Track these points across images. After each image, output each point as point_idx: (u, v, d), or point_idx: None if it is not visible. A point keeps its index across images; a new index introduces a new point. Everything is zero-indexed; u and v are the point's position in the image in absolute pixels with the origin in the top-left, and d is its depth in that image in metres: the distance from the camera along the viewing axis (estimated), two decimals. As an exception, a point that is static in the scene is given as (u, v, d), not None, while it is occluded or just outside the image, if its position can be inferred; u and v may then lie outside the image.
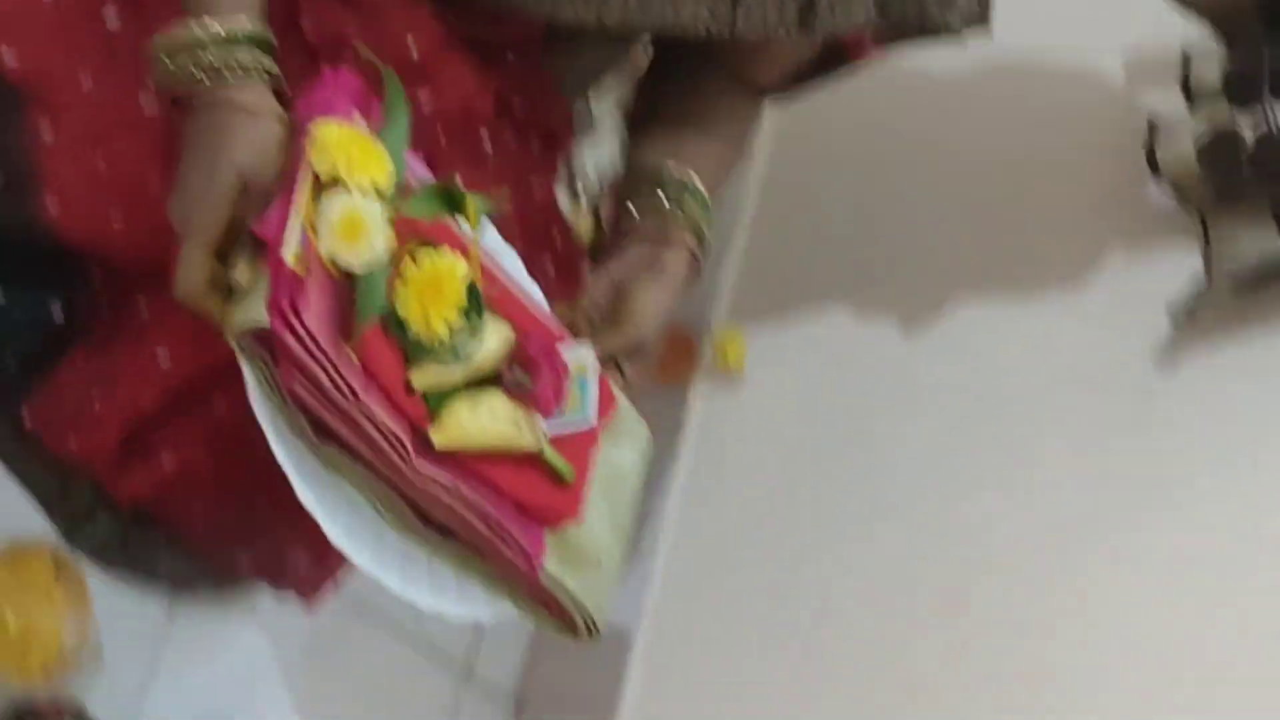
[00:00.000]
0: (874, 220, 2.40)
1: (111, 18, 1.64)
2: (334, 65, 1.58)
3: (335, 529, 1.48)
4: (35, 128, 1.63)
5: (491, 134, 1.80)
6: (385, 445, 1.47)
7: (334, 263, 1.45)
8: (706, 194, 1.82)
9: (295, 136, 1.51)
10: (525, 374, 1.52)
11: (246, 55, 1.53)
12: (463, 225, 1.54)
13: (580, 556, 1.57)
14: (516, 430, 1.52)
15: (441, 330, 1.47)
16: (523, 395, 1.52)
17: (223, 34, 1.53)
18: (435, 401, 1.49)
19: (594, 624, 1.58)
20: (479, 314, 1.50)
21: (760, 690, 2.24)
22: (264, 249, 1.45)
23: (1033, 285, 2.28)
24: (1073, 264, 2.24)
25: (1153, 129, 2.12)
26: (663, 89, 1.92)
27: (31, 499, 1.84)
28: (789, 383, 2.40)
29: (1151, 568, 2.08)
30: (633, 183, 1.84)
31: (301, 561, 1.88)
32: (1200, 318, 2.09)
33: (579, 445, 1.58)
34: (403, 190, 1.51)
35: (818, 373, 2.39)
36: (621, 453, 1.65)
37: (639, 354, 1.72)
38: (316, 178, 1.46)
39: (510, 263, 1.65)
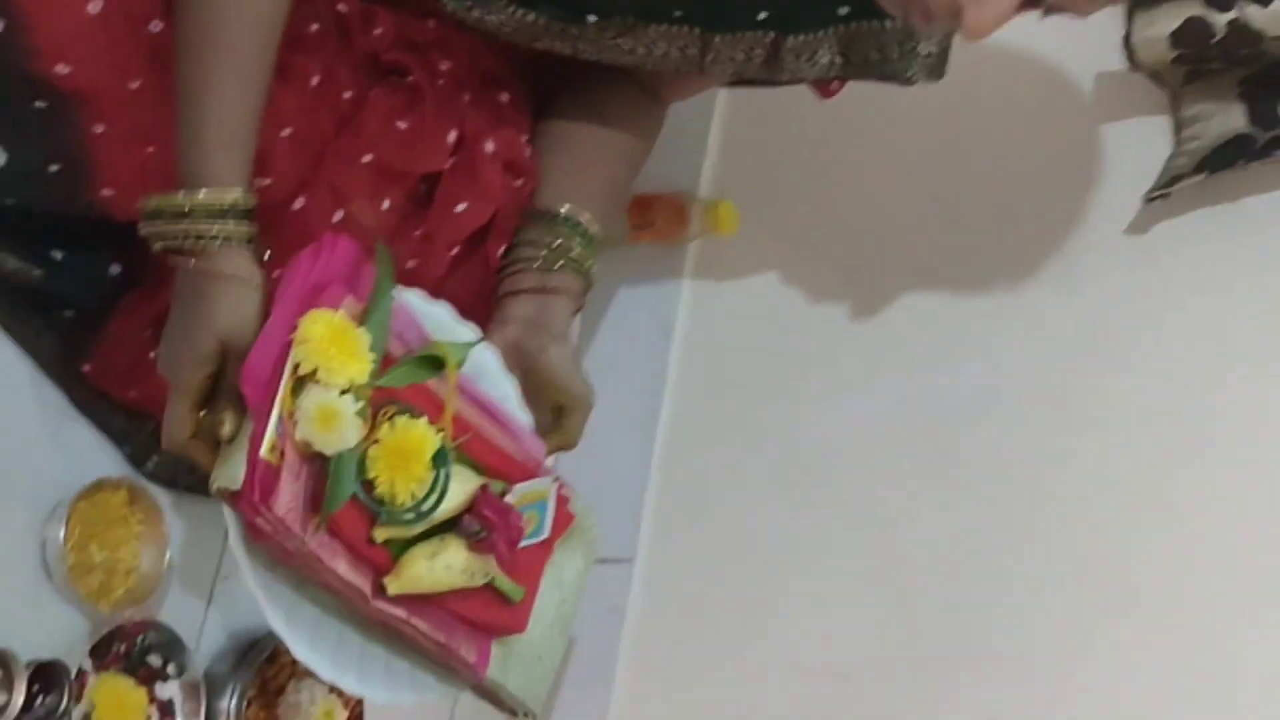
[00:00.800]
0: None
1: (156, 25, 1.75)
2: (335, 234, 1.73)
3: (299, 645, 1.71)
4: (89, 126, 1.76)
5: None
6: (344, 590, 1.69)
7: (308, 445, 1.63)
8: (597, 231, 1.97)
9: (285, 293, 1.66)
10: (480, 525, 1.73)
11: (232, 226, 1.67)
12: (442, 381, 1.74)
13: (522, 658, 1.82)
14: (469, 578, 1.74)
15: (405, 499, 1.68)
16: (479, 544, 1.73)
17: (211, 205, 1.66)
18: (397, 549, 1.71)
19: (530, 712, 1.84)
20: (445, 478, 1.70)
21: (766, 529, 2.40)
22: (246, 407, 1.63)
23: (1012, 160, 2.39)
24: (1049, 148, 2.36)
25: (1131, 16, 2.23)
26: (568, 97, 2.04)
27: (102, 436, 2.00)
28: (780, 242, 2.52)
29: (1123, 423, 2.23)
30: (527, 220, 1.98)
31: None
32: (1173, 196, 2.22)
33: (533, 557, 1.82)
34: (385, 360, 1.69)
35: (808, 230, 2.51)
36: (572, 558, 1.88)
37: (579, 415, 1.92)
38: (296, 367, 1.63)
39: (506, 388, 1.85)
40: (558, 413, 1.93)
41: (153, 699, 2.00)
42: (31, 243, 1.87)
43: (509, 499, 1.79)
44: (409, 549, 1.72)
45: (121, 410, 1.99)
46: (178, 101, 1.67)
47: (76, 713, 1.91)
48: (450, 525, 1.74)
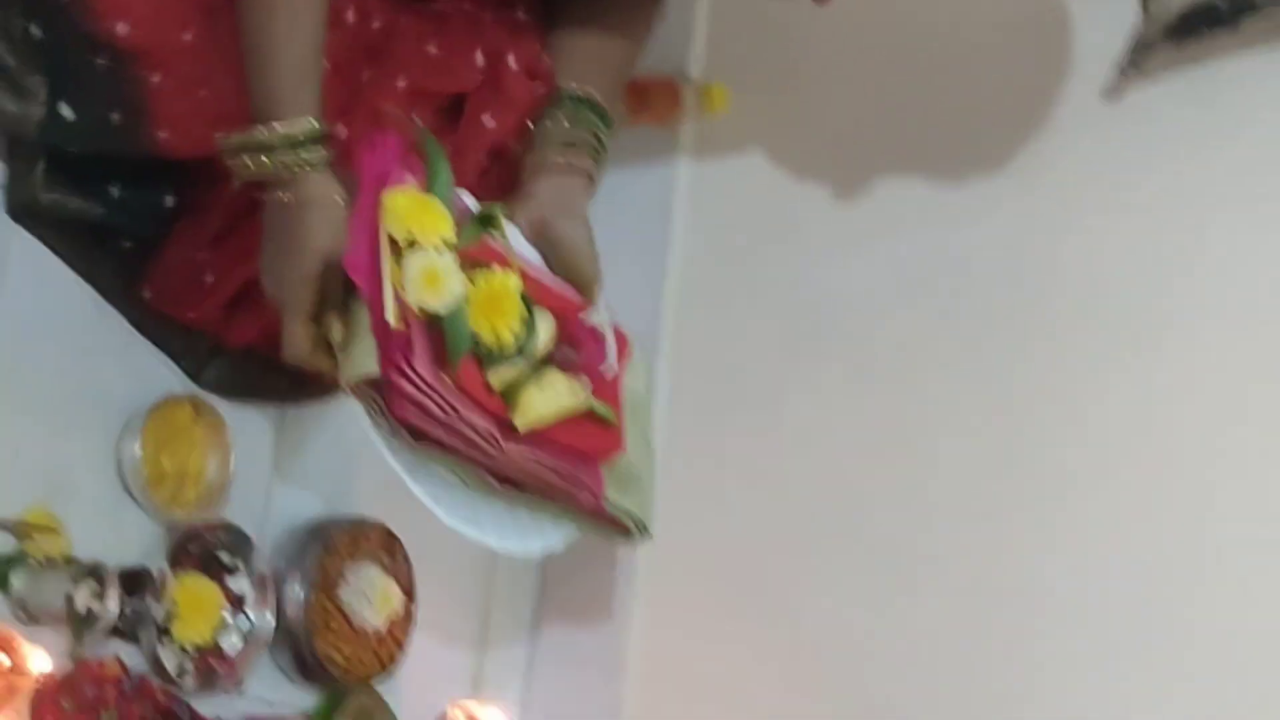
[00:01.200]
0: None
1: None
2: (379, 132, 1.88)
3: (441, 510, 1.87)
4: (146, 76, 1.89)
5: None
6: (481, 441, 1.84)
7: (422, 309, 1.78)
8: (606, 106, 2.08)
9: (359, 193, 1.82)
10: (571, 349, 1.91)
11: (311, 153, 1.81)
12: (498, 238, 1.89)
13: (628, 478, 2.01)
14: (573, 398, 1.91)
15: (508, 339, 1.84)
16: (572, 366, 1.91)
17: (289, 136, 1.80)
18: (510, 393, 1.86)
19: (644, 527, 2.04)
20: (531, 314, 1.86)
21: (775, 385, 2.56)
22: (358, 308, 1.79)
23: (991, 33, 2.51)
24: (1025, 21, 2.47)
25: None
26: None
27: (162, 354, 2.13)
28: (769, 120, 2.65)
29: (1104, 283, 2.38)
30: (549, 104, 2.09)
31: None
32: (1143, 67, 2.35)
33: (609, 389, 1.99)
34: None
35: (796, 107, 2.64)
36: (635, 381, 2.06)
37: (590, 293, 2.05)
38: (394, 241, 1.78)
39: (531, 256, 1.99)
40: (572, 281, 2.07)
41: (226, 593, 2.16)
42: (92, 183, 2.00)
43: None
44: (520, 389, 1.87)
45: (179, 329, 2.13)
46: (246, 42, 1.80)
47: (159, 612, 2.06)
48: (544, 364, 1.91)
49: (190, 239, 2.07)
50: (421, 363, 1.78)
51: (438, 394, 1.79)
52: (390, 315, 1.76)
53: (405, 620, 2.33)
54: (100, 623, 1.96)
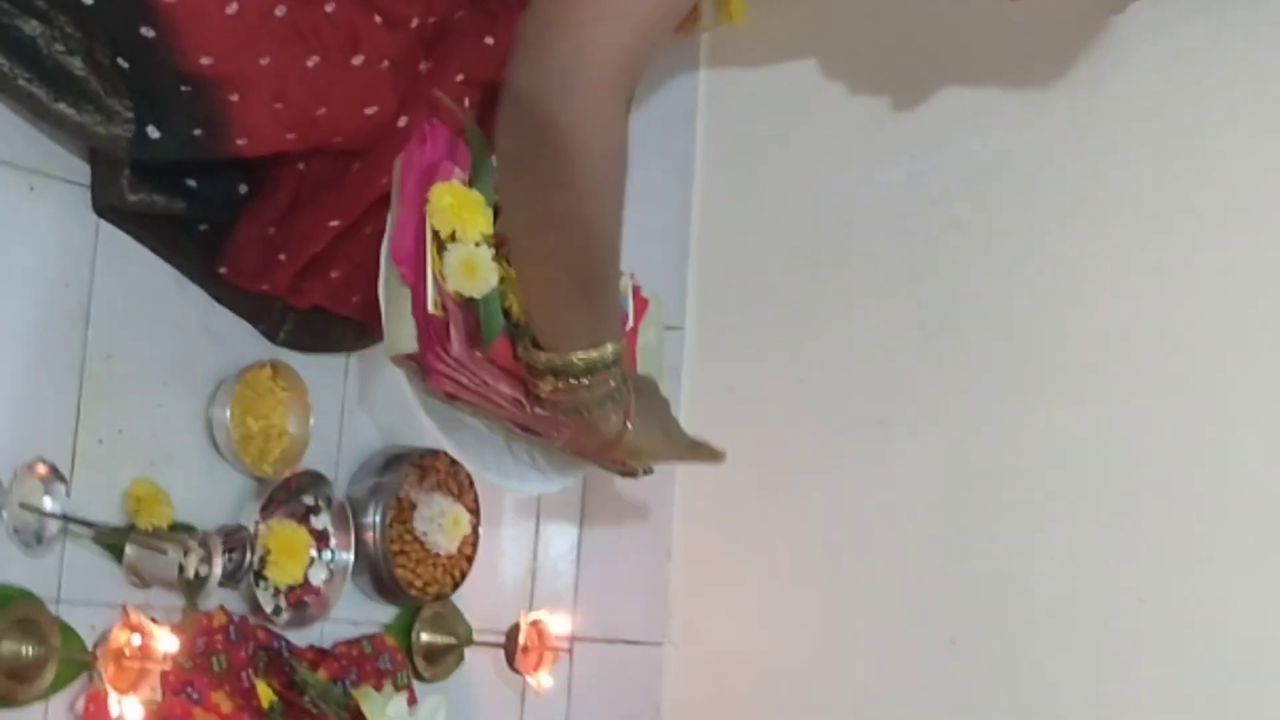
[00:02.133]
0: None
1: (280, 9, 1.99)
2: (429, 122, 2.02)
3: (467, 460, 2.12)
4: (226, 96, 2.02)
5: None
6: (508, 405, 2.03)
7: (459, 294, 1.95)
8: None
9: (406, 183, 1.98)
10: None
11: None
12: None
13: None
14: None
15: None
16: None
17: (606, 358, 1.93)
18: None
19: (648, 468, 2.25)
20: None
21: (800, 291, 2.70)
22: (400, 290, 1.97)
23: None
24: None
25: None
26: None
27: (241, 320, 2.29)
28: (786, 29, 2.75)
29: (1121, 195, 2.52)
30: None
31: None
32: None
33: (629, 340, 2.18)
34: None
35: (813, 16, 2.74)
36: (649, 334, 2.26)
37: None
38: (436, 233, 1.95)
39: None
40: None
41: (311, 532, 2.34)
42: (173, 180, 2.13)
43: None
44: None
45: (254, 299, 2.28)
46: (583, 271, 1.83)
47: (254, 560, 2.25)
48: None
49: (260, 219, 2.22)
50: (457, 347, 1.97)
51: (470, 371, 1.99)
52: (431, 305, 1.95)
53: (473, 540, 2.53)
54: (209, 584, 2.14)
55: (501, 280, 1.97)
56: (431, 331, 1.95)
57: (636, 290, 2.25)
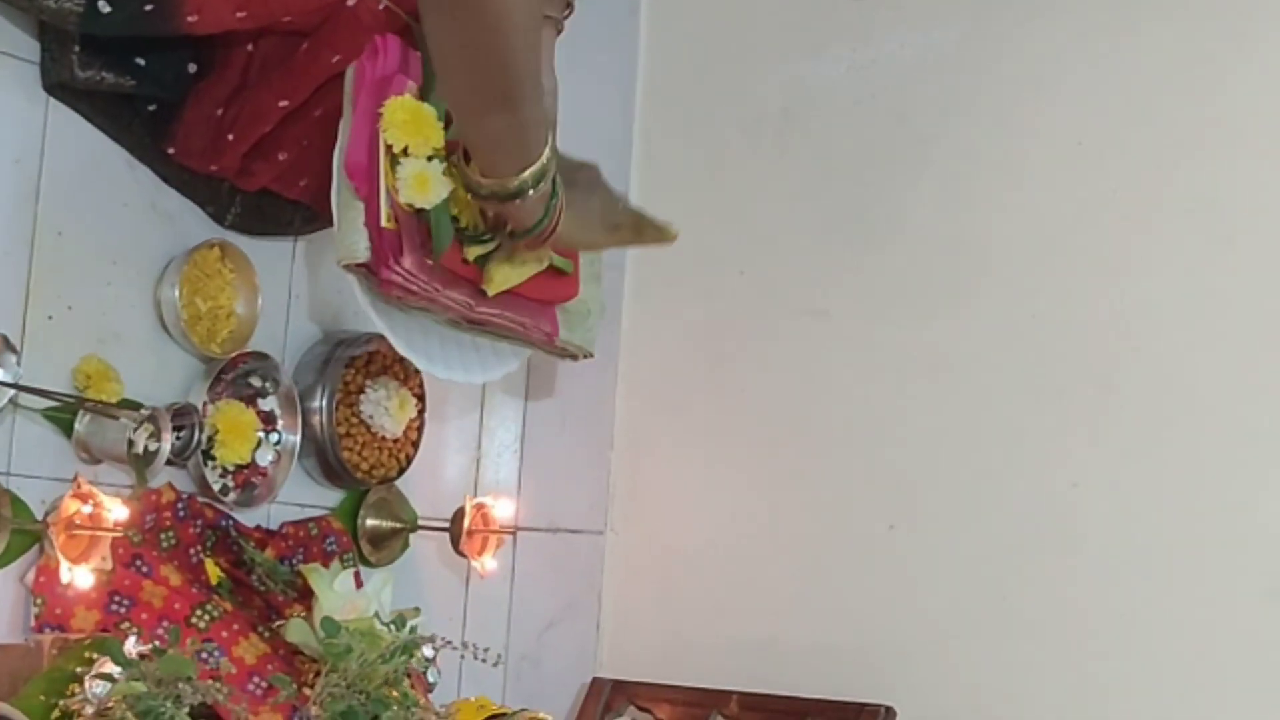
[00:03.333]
0: None
1: None
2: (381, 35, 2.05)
3: (414, 356, 2.16)
4: None
5: None
6: (456, 306, 2.10)
7: (411, 205, 2.01)
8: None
9: (359, 97, 2.03)
10: None
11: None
12: None
13: (579, 315, 2.30)
14: (538, 264, 2.16)
15: (481, 220, 2.07)
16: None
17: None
18: (483, 262, 2.11)
19: (589, 353, 2.35)
20: None
21: (745, 183, 2.74)
22: (352, 201, 2.02)
23: None
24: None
25: None
26: None
27: (189, 201, 2.30)
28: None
29: (1060, 82, 2.57)
30: None
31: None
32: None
33: None
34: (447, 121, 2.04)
35: None
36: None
37: None
38: (389, 147, 2.00)
39: None
40: None
41: (259, 414, 2.37)
42: (122, 58, 2.15)
43: None
44: (491, 259, 2.12)
45: (202, 180, 2.30)
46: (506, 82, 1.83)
47: (203, 439, 2.27)
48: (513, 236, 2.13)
49: (208, 99, 2.23)
50: (409, 258, 2.02)
51: (421, 280, 2.04)
52: (385, 218, 2.01)
53: (418, 425, 2.55)
54: (158, 459, 2.17)
55: (451, 191, 2.03)
56: (384, 243, 2.01)
57: None
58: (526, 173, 1.91)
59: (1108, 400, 2.46)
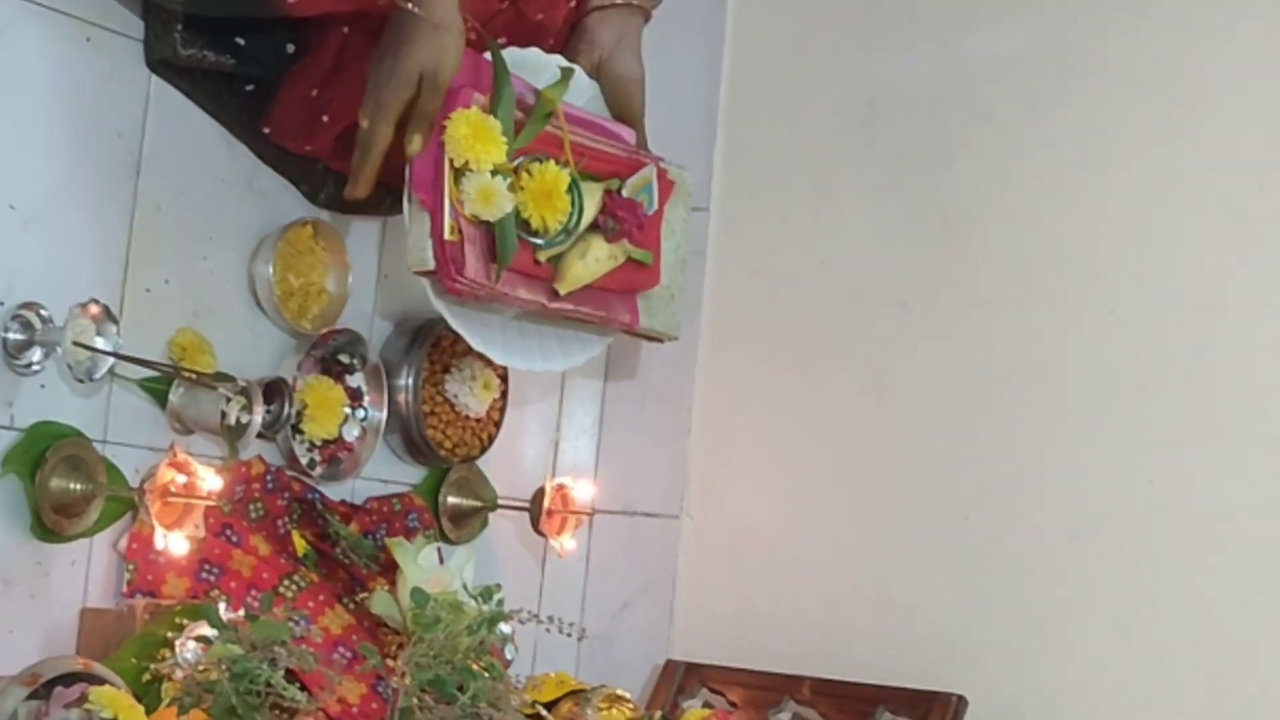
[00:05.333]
0: None
1: None
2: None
3: (492, 352, 2.23)
4: None
5: None
6: (529, 304, 2.17)
7: (476, 217, 2.06)
8: None
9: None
10: (613, 220, 2.20)
11: None
12: (556, 119, 2.15)
13: (661, 300, 2.32)
14: (613, 261, 2.21)
15: (555, 226, 2.14)
16: (615, 236, 2.20)
17: None
18: (555, 260, 2.16)
19: (673, 336, 2.37)
20: (580, 199, 2.15)
21: (828, 172, 2.78)
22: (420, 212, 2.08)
23: None
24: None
25: None
26: None
27: (284, 179, 2.35)
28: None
29: (1148, 72, 2.60)
30: None
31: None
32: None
33: (650, 230, 2.27)
34: (517, 126, 2.11)
35: None
36: (676, 211, 2.33)
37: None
38: (452, 161, 2.05)
39: (587, 108, 2.24)
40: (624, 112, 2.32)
41: (346, 390, 2.41)
42: (223, 37, 2.19)
43: (625, 193, 2.22)
44: (564, 257, 2.17)
45: (295, 158, 2.34)
46: None
47: (292, 413, 2.31)
48: (591, 228, 2.19)
49: (304, 80, 2.27)
50: (471, 268, 2.08)
51: (486, 287, 2.10)
52: (448, 231, 2.06)
53: (501, 406, 2.59)
54: (249, 431, 2.21)
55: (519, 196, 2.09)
56: (447, 255, 2.06)
57: (663, 173, 2.30)
58: None
59: (1189, 397, 2.48)
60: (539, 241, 2.14)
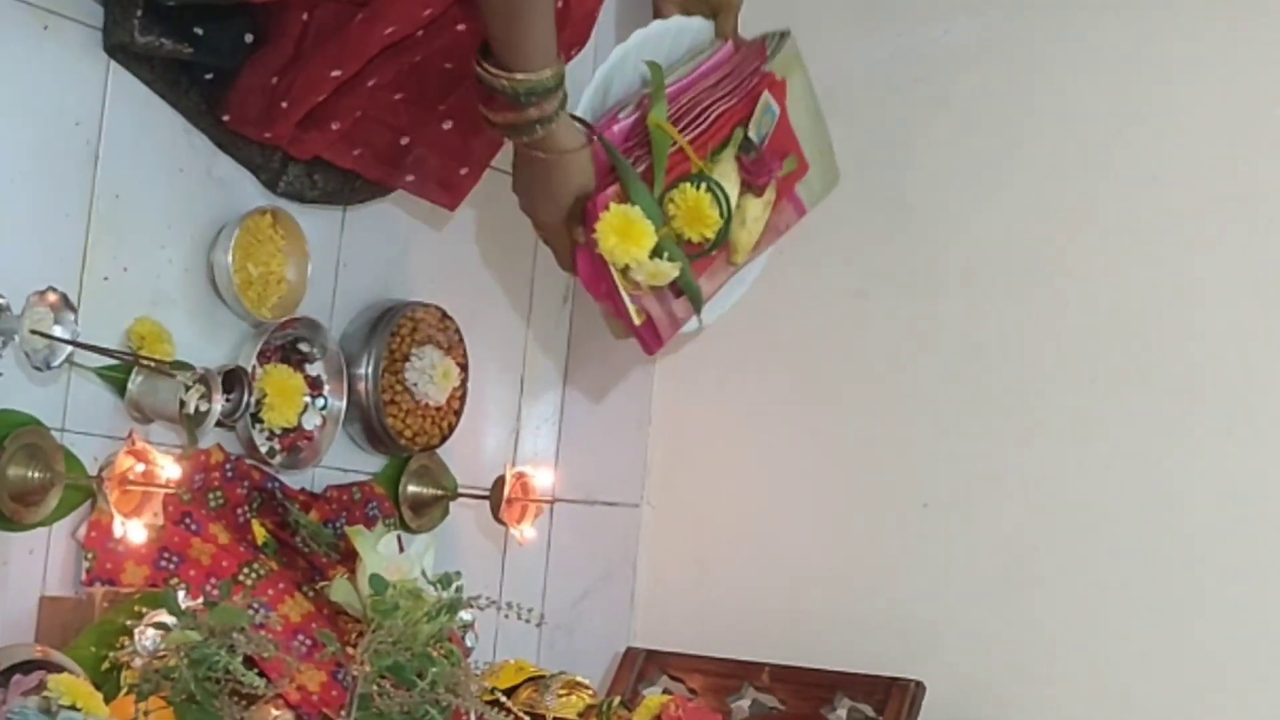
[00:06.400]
0: None
1: None
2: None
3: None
4: None
5: None
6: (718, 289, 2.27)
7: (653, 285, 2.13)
8: None
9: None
10: (751, 176, 2.24)
11: (558, 100, 2.00)
12: (672, 135, 2.17)
13: (814, 171, 2.38)
14: (768, 207, 2.28)
15: (713, 234, 2.17)
16: (760, 187, 2.25)
17: (543, 82, 1.98)
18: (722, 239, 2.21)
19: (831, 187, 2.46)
20: (723, 195, 2.18)
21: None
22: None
23: None
24: None
25: None
26: None
27: (243, 168, 2.35)
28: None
29: (1097, 75, 2.62)
30: None
31: (443, 171, 2.42)
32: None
33: (786, 140, 2.31)
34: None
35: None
36: (796, 101, 2.33)
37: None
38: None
39: (695, 90, 2.24)
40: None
41: (306, 379, 2.41)
42: (180, 25, 2.19)
43: (752, 132, 2.25)
44: (731, 238, 2.22)
45: (255, 147, 2.34)
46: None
47: (251, 401, 2.32)
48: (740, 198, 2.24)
49: (263, 67, 2.27)
50: (667, 331, 2.20)
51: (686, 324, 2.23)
52: (635, 317, 2.15)
53: (461, 394, 2.60)
54: (209, 420, 2.21)
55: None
56: (645, 336, 2.17)
57: (770, 83, 2.29)
58: (534, 75, 1.95)
59: (1143, 383, 2.50)
60: (710, 250, 2.19)
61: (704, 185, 2.14)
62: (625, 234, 2.08)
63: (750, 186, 2.22)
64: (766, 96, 2.26)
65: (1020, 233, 2.62)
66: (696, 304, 2.19)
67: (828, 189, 2.40)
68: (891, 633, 2.61)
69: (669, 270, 2.12)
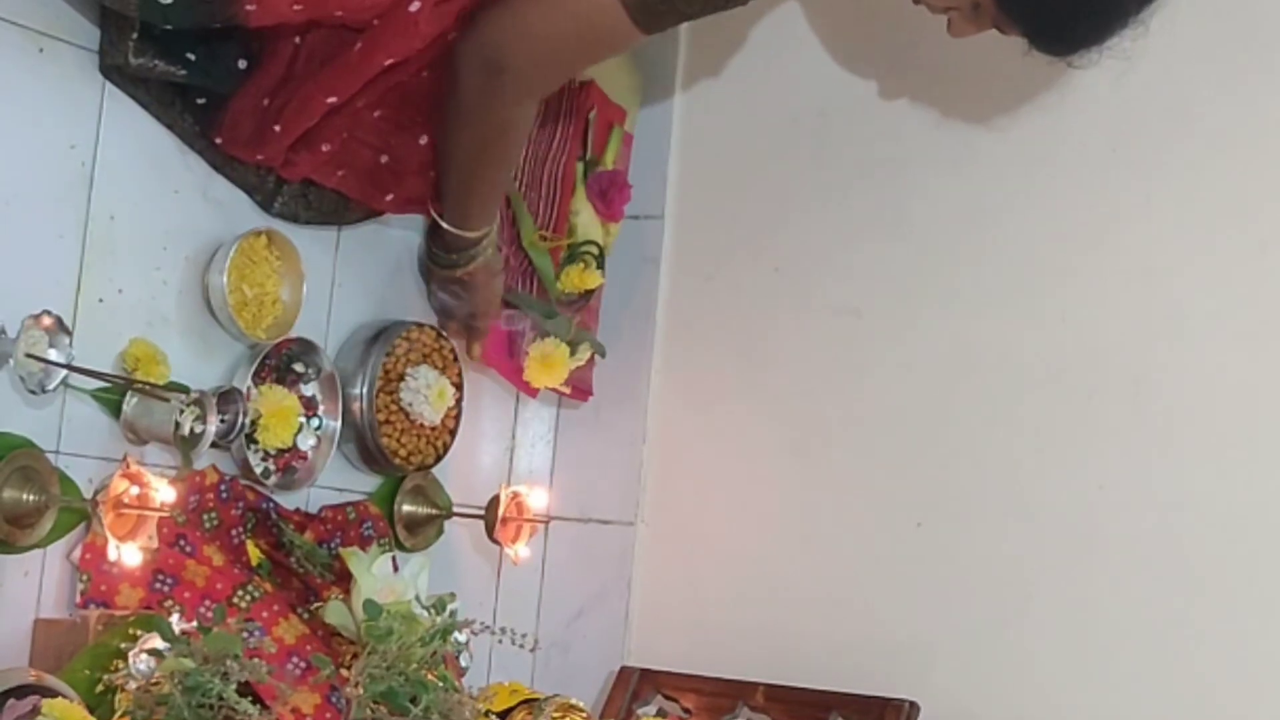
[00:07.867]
0: None
1: None
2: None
3: None
4: None
5: None
6: None
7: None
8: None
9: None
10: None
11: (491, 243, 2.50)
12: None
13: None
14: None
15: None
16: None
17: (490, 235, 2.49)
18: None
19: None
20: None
21: (783, 184, 2.81)
22: None
23: None
24: None
25: None
26: None
27: (238, 189, 2.35)
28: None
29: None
30: None
31: (420, 188, 2.46)
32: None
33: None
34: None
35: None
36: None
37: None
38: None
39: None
40: None
41: (301, 399, 2.41)
42: (174, 49, 2.19)
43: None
44: None
45: (249, 168, 2.35)
46: (464, 186, 2.42)
47: (246, 423, 2.32)
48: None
49: (255, 90, 2.28)
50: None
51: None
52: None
53: (456, 414, 2.60)
54: (203, 441, 2.21)
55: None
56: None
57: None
58: (486, 229, 2.46)
59: (1137, 403, 2.51)
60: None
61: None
62: (547, 365, 2.62)
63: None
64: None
65: (1014, 251, 2.63)
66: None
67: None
68: (886, 652, 2.61)
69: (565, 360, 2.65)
